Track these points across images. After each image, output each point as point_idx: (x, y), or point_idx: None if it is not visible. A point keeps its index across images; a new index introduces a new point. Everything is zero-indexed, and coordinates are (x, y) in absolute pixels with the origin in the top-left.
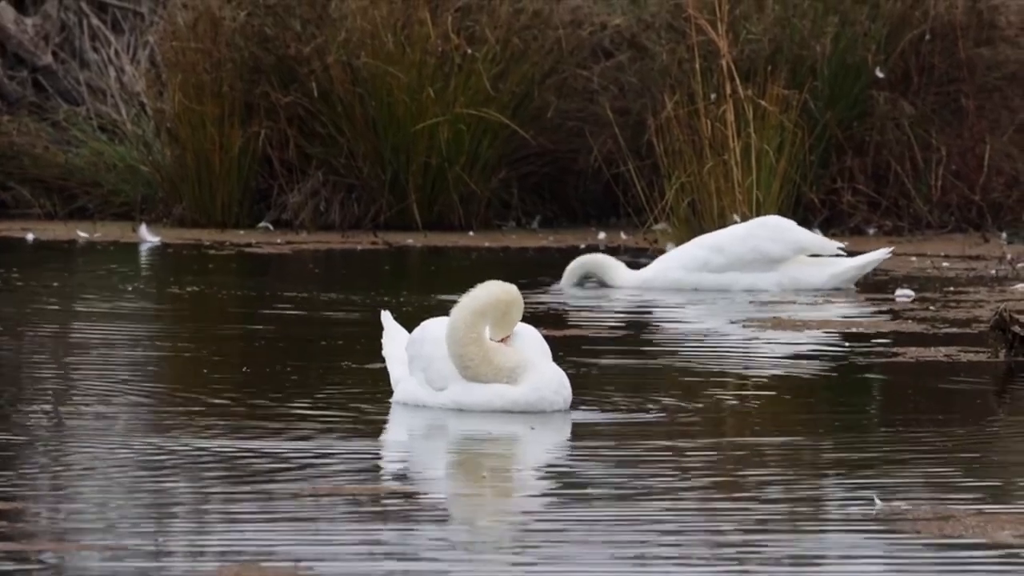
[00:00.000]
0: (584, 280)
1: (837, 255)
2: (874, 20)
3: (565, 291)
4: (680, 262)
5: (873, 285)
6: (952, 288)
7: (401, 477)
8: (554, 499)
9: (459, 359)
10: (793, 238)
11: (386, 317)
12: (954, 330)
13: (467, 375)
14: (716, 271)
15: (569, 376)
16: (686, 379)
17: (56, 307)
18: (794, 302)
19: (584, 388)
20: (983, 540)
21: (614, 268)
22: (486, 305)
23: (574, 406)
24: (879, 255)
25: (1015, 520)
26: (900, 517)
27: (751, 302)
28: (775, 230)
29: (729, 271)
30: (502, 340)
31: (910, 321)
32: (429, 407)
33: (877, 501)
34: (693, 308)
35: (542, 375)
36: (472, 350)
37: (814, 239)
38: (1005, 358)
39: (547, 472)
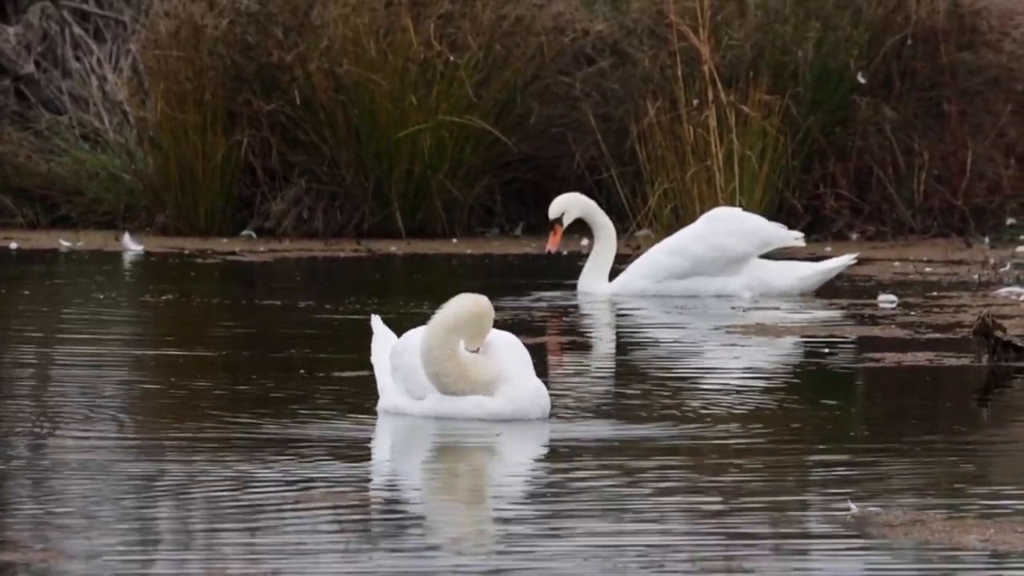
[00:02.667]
0: (567, 221)
1: (795, 243)
2: (856, 25)
3: (551, 215)
4: (643, 271)
5: (856, 290)
6: (935, 293)
7: (384, 487)
8: (534, 511)
9: (435, 377)
10: (751, 228)
11: (376, 322)
12: (937, 335)
13: (445, 390)
14: (682, 276)
15: (549, 384)
16: (670, 385)
17: (39, 316)
18: (778, 308)
19: (565, 396)
20: (948, 544)
21: (605, 226)
22: (458, 320)
23: (557, 416)
24: (844, 260)
25: (982, 525)
26: (869, 522)
27: (732, 308)
28: (731, 222)
29: (694, 275)
30: (476, 350)
31: (893, 326)
32: (410, 416)
33: (852, 506)
34: (673, 315)
35: (518, 387)
36: (448, 366)
37: (772, 228)
38: (988, 363)
39: (526, 484)
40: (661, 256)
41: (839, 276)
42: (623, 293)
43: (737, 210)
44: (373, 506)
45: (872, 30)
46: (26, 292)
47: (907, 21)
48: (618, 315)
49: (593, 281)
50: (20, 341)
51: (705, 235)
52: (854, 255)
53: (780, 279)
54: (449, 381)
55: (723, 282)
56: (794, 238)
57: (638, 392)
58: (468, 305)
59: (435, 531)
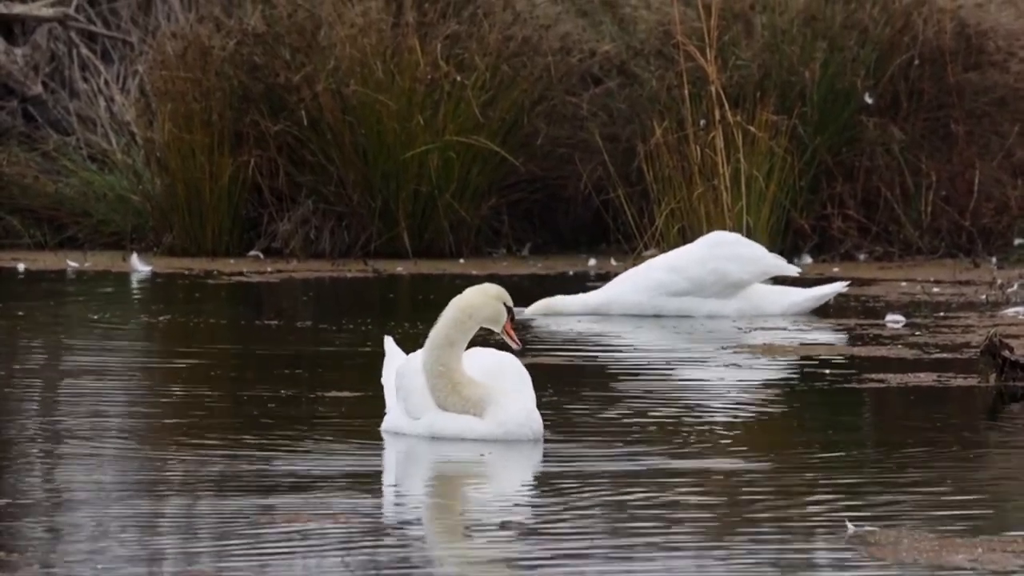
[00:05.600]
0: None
1: (795, 275)
2: (863, 46)
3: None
4: (639, 285)
5: (864, 310)
6: (942, 313)
7: (385, 505)
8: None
9: (431, 390)
10: (751, 256)
11: (389, 343)
12: (944, 355)
13: (440, 405)
14: (677, 295)
15: (546, 406)
16: (674, 404)
17: (46, 337)
18: (784, 328)
19: (559, 417)
20: (935, 563)
21: (568, 302)
22: (449, 332)
23: (551, 437)
24: (836, 287)
25: (983, 544)
26: (862, 541)
27: (738, 328)
28: (732, 247)
29: (689, 295)
30: (509, 321)
31: (900, 346)
32: (408, 435)
33: (849, 526)
34: (671, 332)
35: (507, 410)
36: (439, 383)
37: (772, 259)
38: (995, 383)
39: (519, 503)
40: (659, 273)
41: (845, 296)
42: (615, 304)
43: (738, 236)
44: (372, 539)
45: (879, 50)
46: (33, 312)
47: (914, 41)
48: (619, 334)
49: (573, 300)
50: (27, 361)
51: (706, 259)
52: (846, 282)
53: (772, 304)
54: (441, 396)
55: (716, 304)
56: (793, 271)
57: (639, 413)
58: (452, 314)
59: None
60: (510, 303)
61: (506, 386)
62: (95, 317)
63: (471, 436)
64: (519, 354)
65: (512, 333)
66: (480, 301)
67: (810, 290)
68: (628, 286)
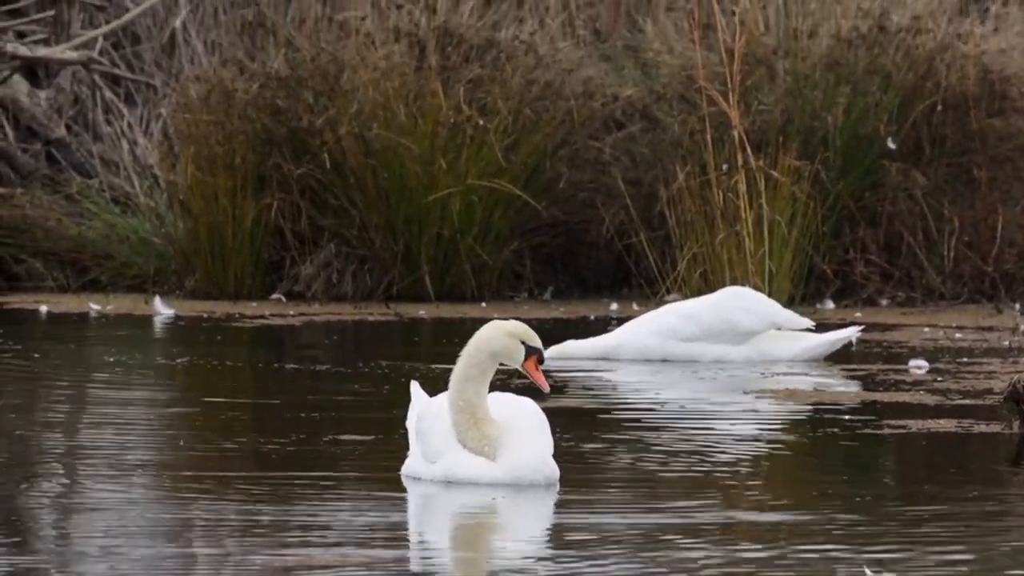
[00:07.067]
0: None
1: (808, 330)
2: (886, 91)
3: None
4: (652, 329)
5: (886, 356)
6: (965, 359)
7: (403, 547)
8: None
9: (454, 425)
10: (764, 311)
11: (415, 388)
12: (967, 402)
13: (459, 441)
14: (686, 340)
15: (564, 451)
16: (694, 447)
17: (68, 379)
18: (806, 373)
19: (580, 462)
20: None
21: (579, 346)
22: (466, 368)
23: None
24: (848, 333)
25: None
26: None
27: (761, 373)
28: (748, 301)
29: (699, 340)
30: (528, 360)
31: (923, 392)
32: (424, 480)
33: (868, 572)
34: (690, 377)
35: (520, 455)
36: (461, 417)
37: (786, 314)
38: (1019, 430)
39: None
40: (671, 318)
41: (867, 341)
42: (625, 348)
43: (758, 293)
44: (392, 566)
45: (902, 96)
46: (55, 355)
47: (937, 87)
48: (636, 379)
49: (582, 344)
50: (47, 402)
51: (719, 308)
52: (858, 328)
53: (782, 350)
54: (462, 431)
55: (723, 349)
56: (806, 325)
57: (657, 459)
58: (471, 352)
59: None
60: (535, 343)
61: (523, 429)
62: (116, 360)
63: (485, 481)
64: (543, 398)
65: (538, 374)
66: (491, 335)
67: (821, 336)
68: (640, 330)
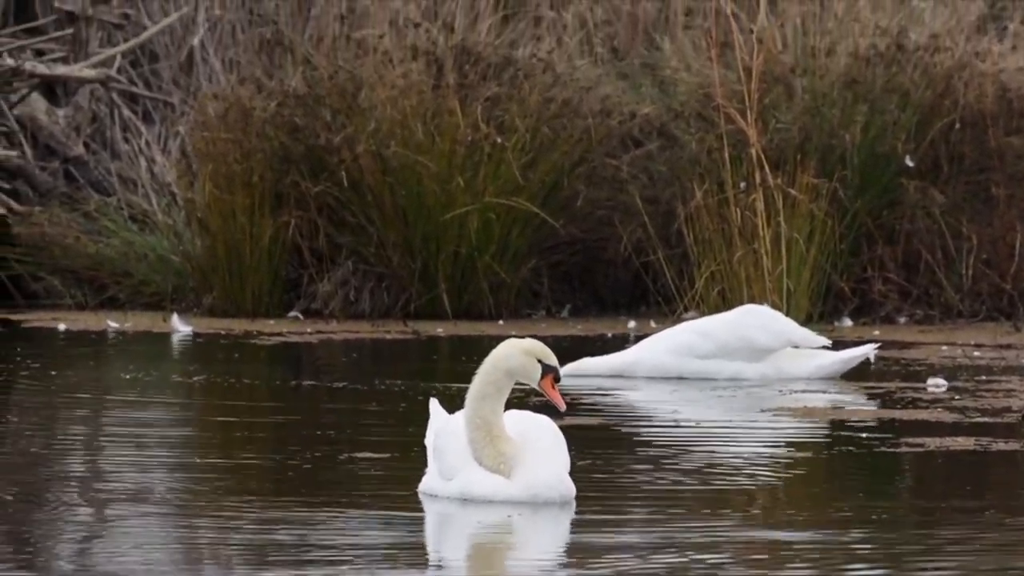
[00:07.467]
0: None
1: (824, 347)
2: (904, 109)
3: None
4: (668, 346)
5: (905, 374)
6: (984, 377)
7: (420, 565)
8: None
9: (469, 443)
10: (780, 329)
11: (434, 405)
12: (985, 420)
13: (475, 458)
14: (702, 357)
15: (579, 469)
16: (711, 465)
17: (86, 396)
18: (825, 391)
19: (593, 481)
20: None
21: (594, 364)
22: (481, 386)
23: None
24: (865, 350)
25: None
26: None
27: (779, 391)
28: (764, 319)
29: (714, 358)
30: (544, 378)
31: (941, 410)
32: (440, 497)
33: None
34: (708, 395)
35: (535, 473)
36: (477, 435)
37: (802, 332)
38: None
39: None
40: (688, 335)
41: (885, 359)
42: (640, 365)
43: (775, 311)
44: None
45: (920, 114)
46: (73, 372)
47: (955, 105)
48: (652, 396)
49: (598, 361)
50: (66, 420)
51: (736, 325)
52: (874, 346)
53: (798, 367)
54: (478, 448)
55: (738, 367)
56: (822, 343)
57: (674, 477)
58: (487, 370)
59: None
60: (551, 361)
61: (539, 447)
62: (133, 377)
63: (501, 498)
64: (560, 416)
65: (554, 393)
66: (507, 353)
67: (837, 353)
68: (657, 347)
